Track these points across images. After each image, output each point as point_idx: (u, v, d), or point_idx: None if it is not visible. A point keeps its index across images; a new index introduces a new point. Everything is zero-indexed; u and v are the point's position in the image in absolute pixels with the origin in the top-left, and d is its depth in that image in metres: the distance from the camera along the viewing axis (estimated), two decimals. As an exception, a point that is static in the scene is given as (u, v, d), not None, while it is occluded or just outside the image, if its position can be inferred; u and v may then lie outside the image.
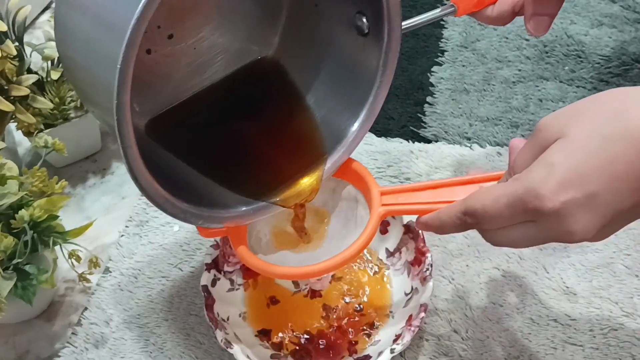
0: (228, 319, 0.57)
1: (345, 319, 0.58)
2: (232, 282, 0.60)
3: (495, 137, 0.74)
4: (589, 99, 0.39)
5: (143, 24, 0.37)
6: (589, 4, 0.88)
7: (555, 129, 0.38)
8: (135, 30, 0.37)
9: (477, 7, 0.58)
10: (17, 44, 0.66)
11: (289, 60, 0.57)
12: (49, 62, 0.70)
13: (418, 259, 0.58)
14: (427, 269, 0.56)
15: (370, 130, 0.55)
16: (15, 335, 0.62)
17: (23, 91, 0.65)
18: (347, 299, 0.60)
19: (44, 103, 0.67)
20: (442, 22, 0.88)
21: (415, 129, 0.76)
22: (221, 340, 0.52)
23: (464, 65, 0.83)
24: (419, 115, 0.78)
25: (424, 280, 0.56)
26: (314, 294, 0.60)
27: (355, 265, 0.62)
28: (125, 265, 0.66)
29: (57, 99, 0.69)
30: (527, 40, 0.84)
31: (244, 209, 0.51)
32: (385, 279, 0.61)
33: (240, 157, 0.54)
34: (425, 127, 0.76)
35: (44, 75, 0.70)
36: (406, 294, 0.58)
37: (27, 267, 0.56)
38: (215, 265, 0.59)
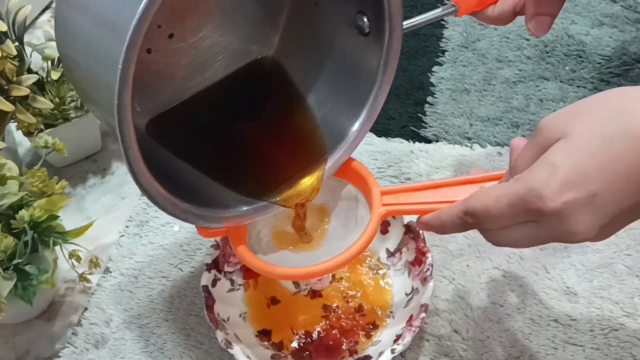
0: (228, 319, 0.57)
1: (346, 319, 0.58)
2: (232, 282, 0.60)
3: (496, 137, 0.74)
4: (590, 98, 0.39)
5: (144, 24, 0.37)
6: (590, 4, 0.88)
7: (557, 128, 0.38)
8: (136, 30, 0.37)
9: (478, 6, 0.58)
10: (17, 44, 0.66)
11: (289, 59, 0.57)
12: (49, 62, 0.70)
13: (418, 259, 0.58)
14: (428, 269, 0.56)
15: (371, 130, 0.55)
16: (15, 335, 0.62)
17: (23, 91, 0.65)
18: (348, 299, 0.60)
19: (44, 103, 0.67)
20: (442, 22, 0.88)
21: (415, 129, 0.76)
22: (221, 341, 0.52)
23: (464, 65, 0.83)
24: (420, 115, 0.78)
25: (424, 280, 0.56)
26: (314, 294, 0.60)
27: (355, 266, 0.62)
28: (125, 266, 0.66)
29: (57, 99, 0.69)
30: (527, 40, 0.84)
31: (244, 208, 0.51)
32: (385, 279, 0.61)
33: (240, 156, 0.54)
34: (425, 127, 0.76)
35: (44, 75, 0.70)
36: (407, 294, 0.58)
37: (27, 268, 0.56)
38: (215, 265, 0.59)
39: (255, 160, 0.55)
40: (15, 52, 0.64)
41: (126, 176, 0.75)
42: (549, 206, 0.36)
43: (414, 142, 0.74)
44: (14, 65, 0.65)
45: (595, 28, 0.84)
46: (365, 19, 0.50)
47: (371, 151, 0.73)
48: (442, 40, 0.86)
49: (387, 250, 0.62)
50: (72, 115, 0.71)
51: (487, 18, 0.59)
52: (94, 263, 0.61)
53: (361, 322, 0.58)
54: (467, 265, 0.62)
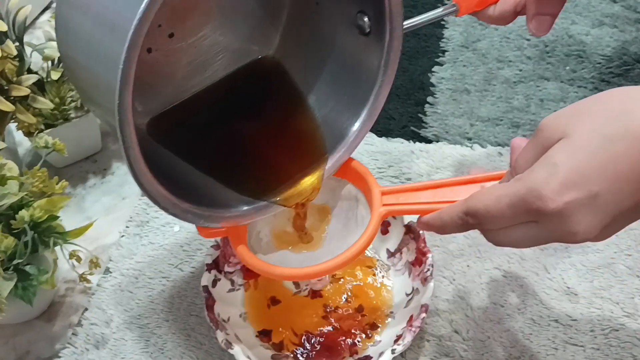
0: (229, 320, 0.57)
1: (346, 320, 0.58)
2: (232, 282, 0.60)
3: (497, 137, 0.74)
4: (590, 98, 0.39)
5: (145, 24, 0.37)
6: (590, 4, 0.88)
7: (557, 128, 0.38)
8: (137, 30, 0.37)
9: (479, 6, 0.58)
10: (17, 44, 0.66)
11: (289, 59, 0.57)
12: (49, 62, 0.70)
13: (419, 260, 0.58)
14: (428, 270, 0.56)
15: (371, 131, 0.55)
16: (15, 336, 0.62)
17: (23, 91, 0.65)
18: (348, 300, 0.60)
19: (44, 103, 0.67)
20: (442, 22, 0.88)
21: (416, 129, 0.76)
22: (222, 341, 0.52)
23: (464, 65, 0.83)
24: (420, 115, 0.78)
25: (424, 280, 0.56)
26: (314, 294, 0.60)
27: (355, 266, 0.62)
28: (125, 266, 0.66)
29: (57, 99, 0.69)
30: (528, 40, 0.84)
31: (245, 208, 0.51)
32: (386, 279, 0.61)
33: (241, 156, 0.54)
34: (426, 127, 0.76)
35: (44, 75, 0.70)
36: (407, 295, 0.58)
37: (27, 268, 0.56)
38: (215, 265, 0.59)
39: (255, 160, 0.55)
40: (15, 52, 0.64)
41: (126, 176, 0.75)
42: (549, 206, 0.36)
43: (414, 142, 0.74)
44: (14, 65, 0.65)
45: (595, 28, 0.84)
46: (366, 19, 0.50)
47: (371, 151, 0.73)
48: (443, 40, 0.86)
49: (388, 250, 0.62)
50: (72, 115, 0.71)
51: (488, 18, 0.59)
52: (94, 263, 0.61)
53: (361, 322, 0.58)
54: (468, 266, 0.62)
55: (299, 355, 0.56)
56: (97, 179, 0.76)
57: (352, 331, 0.57)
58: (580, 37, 0.83)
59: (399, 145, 0.74)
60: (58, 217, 0.57)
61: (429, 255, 0.57)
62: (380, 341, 0.56)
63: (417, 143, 0.74)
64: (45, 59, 0.69)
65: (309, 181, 0.52)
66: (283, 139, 0.55)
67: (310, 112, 0.55)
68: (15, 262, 0.54)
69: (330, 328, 0.58)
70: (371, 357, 0.54)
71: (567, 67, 0.80)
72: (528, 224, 0.38)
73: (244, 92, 0.57)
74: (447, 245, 0.64)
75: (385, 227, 0.62)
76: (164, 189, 0.45)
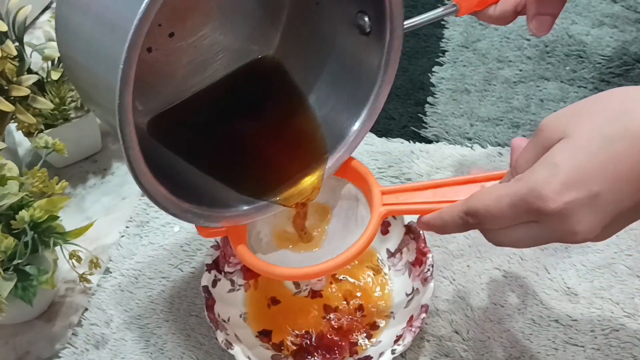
0: (229, 320, 0.57)
1: (346, 320, 0.58)
2: (232, 282, 0.60)
3: (497, 138, 0.74)
4: (590, 98, 0.39)
5: (146, 24, 0.37)
6: (590, 4, 0.88)
7: (558, 128, 0.38)
8: (137, 30, 0.37)
9: (479, 6, 0.58)
10: (17, 44, 0.66)
11: (290, 59, 0.57)
12: (49, 63, 0.70)
13: (419, 260, 0.58)
14: (428, 270, 0.56)
15: (371, 131, 0.55)
16: (15, 336, 0.62)
17: (23, 91, 0.65)
18: (348, 300, 0.59)
19: (44, 103, 0.67)
20: (442, 22, 0.88)
21: (416, 129, 0.76)
22: (222, 341, 0.52)
23: (464, 65, 0.83)
24: (420, 115, 0.77)
25: (425, 280, 0.56)
26: (314, 294, 0.60)
27: (356, 266, 0.62)
28: (125, 266, 0.66)
29: (57, 100, 0.69)
30: (528, 40, 0.84)
31: (245, 208, 0.51)
32: (386, 279, 0.61)
33: (241, 155, 0.54)
34: (426, 128, 0.76)
35: (44, 75, 0.70)
36: (407, 295, 0.58)
37: (27, 268, 0.56)
38: (215, 266, 0.59)
39: (255, 160, 0.55)
40: (15, 53, 0.64)
41: (126, 176, 0.75)
42: (550, 206, 0.36)
43: (414, 143, 0.74)
44: (14, 65, 0.65)
45: (595, 28, 0.84)
46: (366, 19, 0.50)
47: (371, 151, 0.73)
48: (443, 40, 0.86)
49: (388, 250, 0.62)
50: (72, 115, 0.71)
51: (488, 18, 0.59)
52: (94, 263, 0.61)
53: (361, 322, 0.58)
54: (468, 266, 0.62)
55: (298, 356, 0.56)
56: (97, 179, 0.76)
57: (352, 331, 0.57)
58: (580, 37, 0.83)
59: (399, 146, 0.74)
60: (58, 217, 0.57)
61: (429, 255, 0.57)
62: (380, 341, 0.56)
63: (417, 143, 0.74)
64: (45, 59, 0.69)
65: (309, 181, 0.52)
66: (283, 138, 0.55)
67: (311, 112, 0.55)
68: (15, 262, 0.54)
69: (330, 328, 0.58)
70: (371, 357, 0.54)
71: (567, 67, 0.80)
72: (528, 223, 0.38)
73: (244, 91, 0.57)
74: (447, 246, 0.64)
75: (385, 227, 0.62)
76: (164, 188, 0.45)
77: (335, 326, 0.58)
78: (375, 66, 0.51)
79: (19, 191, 0.55)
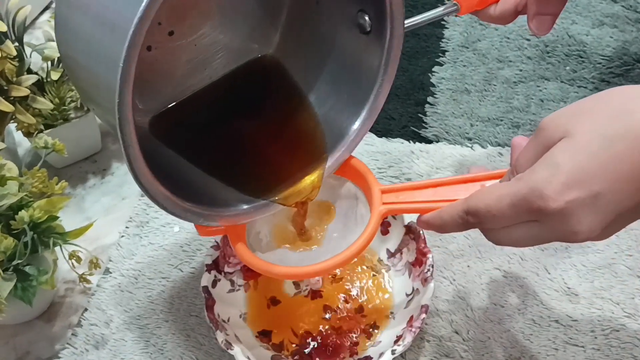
0: (228, 320, 0.57)
1: (346, 320, 0.58)
2: (232, 283, 0.60)
3: (497, 138, 0.74)
4: (591, 98, 0.39)
5: (145, 23, 0.37)
6: (591, 4, 0.88)
7: (558, 128, 0.38)
8: (137, 30, 0.37)
9: (480, 5, 0.58)
10: (17, 44, 0.66)
11: (290, 58, 0.57)
12: (49, 63, 0.70)
13: (419, 260, 0.58)
14: (428, 270, 0.56)
15: (371, 131, 0.55)
16: (15, 336, 0.62)
17: (23, 92, 0.65)
18: (348, 300, 0.59)
19: (44, 103, 0.67)
20: (443, 22, 0.88)
21: (416, 129, 0.76)
22: (222, 342, 0.52)
23: (465, 65, 0.83)
24: (420, 115, 0.77)
25: (425, 281, 0.56)
26: (314, 294, 0.60)
27: (356, 266, 0.61)
28: (125, 266, 0.65)
29: (57, 100, 0.69)
30: (528, 40, 0.84)
31: (244, 207, 0.51)
32: (386, 279, 0.61)
33: (241, 155, 0.54)
34: (426, 128, 0.76)
35: (44, 75, 0.70)
36: (407, 295, 0.58)
37: (27, 268, 0.56)
38: (215, 266, 0.59)
39: (255, 159, 0.55)
40: (15, 53, 0.64)
41: (126, 176, 0.75)
42: (551, 206, 0.36)
43: (414, 143, 0.74)
44: (13, 65, 0.65)
45: (595, 28, 0.84)
46: (367, 18, 0.50)
47: (371, 151, 0.73)
48: (443, 40, 0.86)
49: (388, 250, 0.62)
50: (72, 115, 0.71)
51: (489, 17, 0.58)
52: (94, 264, 0.61)
53: (361, 322, 0.58)
54: (468, 266, 0.62)
55: (298, 356, 0.56)
56: (96, 179, 0.76)
57: (352, 332, 0.57)
58: (580, 37, 0.83)
59: (399, 146, 0.74)
60: (58, 217, 0.57)
61: (429, 255, 0.57)
62: (380, 342, 0.56)
63: (417, 143, 0.74)
64: (45, 59, 0.69)
65: (308, 180, 0.52)
66: (283, 137, 0.55)
67: (310, 111, 0.55)
68: (15, 262, 0.54)
69: (330, 328, 0.58)
70: (371, 358, 0.54)
71: (568, 67, 0.80)
72: (529, 223, 0.38)
73: (243, 90, 0.57)
74: (448, 246, 0.64)
75: (385, 228, 0.62)
76: (163, 188, 0.45)
77: (335, 326, 0.58)
78: (375, 65, 0.51)
79: (19, 191, 0.55)
